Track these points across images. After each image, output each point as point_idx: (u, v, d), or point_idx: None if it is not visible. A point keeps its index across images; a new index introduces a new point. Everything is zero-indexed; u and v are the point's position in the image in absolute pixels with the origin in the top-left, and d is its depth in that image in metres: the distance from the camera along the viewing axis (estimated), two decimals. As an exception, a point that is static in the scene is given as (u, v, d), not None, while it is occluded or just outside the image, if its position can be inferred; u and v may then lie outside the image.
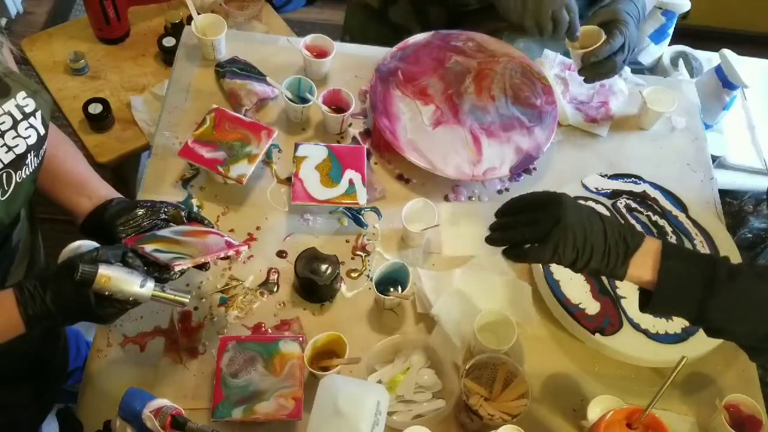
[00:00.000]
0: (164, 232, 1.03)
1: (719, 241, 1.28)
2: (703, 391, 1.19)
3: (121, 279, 0.88)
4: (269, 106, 1.43)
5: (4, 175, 0.90)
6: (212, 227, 1.10)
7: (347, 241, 1.28)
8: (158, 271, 0.94)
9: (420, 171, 1.34)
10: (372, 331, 1.19)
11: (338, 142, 1.39)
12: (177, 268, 0.94)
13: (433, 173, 1.33)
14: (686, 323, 1.17)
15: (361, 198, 1.27)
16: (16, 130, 0.91)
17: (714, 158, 1.78)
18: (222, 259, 1.06)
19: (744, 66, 1.78)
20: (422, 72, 1.46)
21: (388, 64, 1.45)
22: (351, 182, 1.28)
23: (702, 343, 1.16)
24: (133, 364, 1.12)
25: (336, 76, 1.48)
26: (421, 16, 1.62)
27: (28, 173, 0.94)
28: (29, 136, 0.92)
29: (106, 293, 0.88)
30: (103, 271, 0.87)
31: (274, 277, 1.22)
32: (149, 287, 0.91)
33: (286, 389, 1.06)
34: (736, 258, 1.27)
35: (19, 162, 0.92)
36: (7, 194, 0.91)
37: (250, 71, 1.43)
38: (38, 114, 0.94)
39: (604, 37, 1.30)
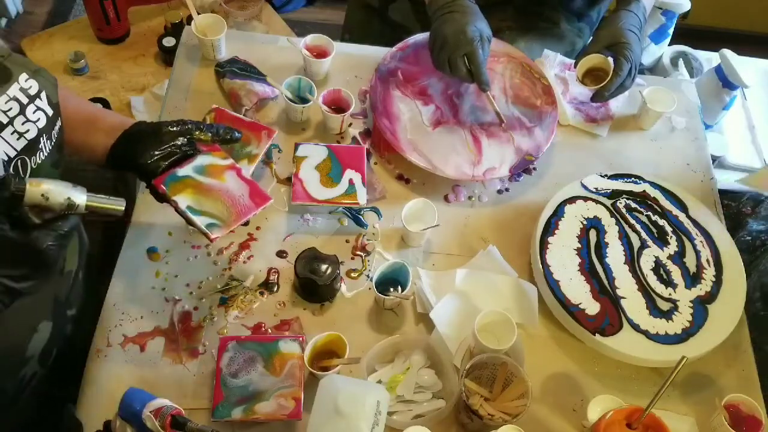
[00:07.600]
0: (186, 171, 1.07)
1: (719, 241, 1.28)
2: (703, 391, 1.19)
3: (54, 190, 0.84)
4: (269, 106, 1.43)
5: (19, 161, 0.88)
6: (234, 136, 1.13)
7: (347, 241, 1.28)
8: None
9: (420, 171, 1.34)
10: (372, 331, 1.19)
11: (338, 142, 1.39)
12: (215, 240, 1.05)
13: (433, 173, 1.33)
14: (686, 323, 1.18)
15: (361, 198, 1.27)
16: (25, 115, 0.88)
17: (714, 158, 1.78)
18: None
19: (744, 66, 1.78)
20: (422, 72, 1.46)
21: (388, 64, 1.45)
22: (351, 182, 1.28)
23: (702, 343, 1.16)
24: (133, 364, 1.12)
25: (336, 76, 1.48)
26: (421, 15, 1.62)
27: (43, 157, 0.92)
28: (38, 120, 0.90)
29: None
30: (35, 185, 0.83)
31: (274, 277, 1.22)
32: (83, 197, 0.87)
33: (286, 389, 1.06)
34: (736, 259, 1.27)
35: (32, 147, 0.90)
36: None
37: (250, 71, 1.43)
38: (43, 95, 0.90)
39: (611, 65, 1.36)
